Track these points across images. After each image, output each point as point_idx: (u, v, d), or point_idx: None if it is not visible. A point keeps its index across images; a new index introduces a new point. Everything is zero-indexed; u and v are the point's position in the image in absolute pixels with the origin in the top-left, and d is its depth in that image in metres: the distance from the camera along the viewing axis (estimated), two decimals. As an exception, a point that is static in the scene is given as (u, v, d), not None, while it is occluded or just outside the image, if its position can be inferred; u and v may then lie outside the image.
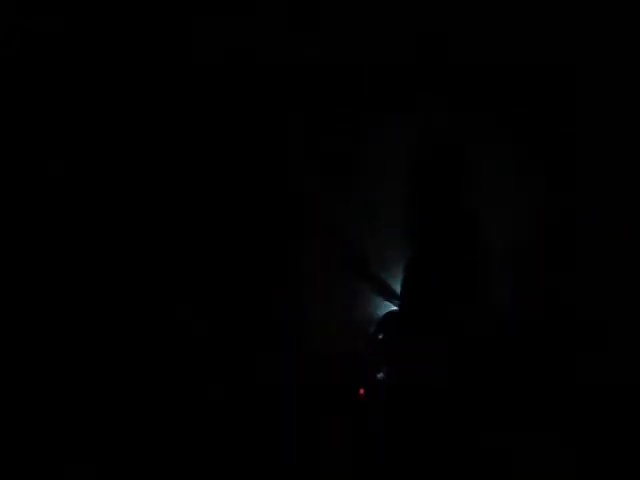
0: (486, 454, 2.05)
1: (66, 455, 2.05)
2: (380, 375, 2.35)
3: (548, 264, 2.32)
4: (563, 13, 2.23)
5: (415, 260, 2.29)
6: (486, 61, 2.28)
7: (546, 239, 2.32)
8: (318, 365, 2.34)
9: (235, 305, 2.32)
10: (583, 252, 2.28)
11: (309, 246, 2.39)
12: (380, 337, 2.49)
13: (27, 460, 2.02)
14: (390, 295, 2.48)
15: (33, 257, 2.17)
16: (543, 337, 2.25)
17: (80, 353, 2.15)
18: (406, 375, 2.23)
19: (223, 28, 2.19)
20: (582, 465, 2.06)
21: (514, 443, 2.07)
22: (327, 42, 2.24)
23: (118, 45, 2.19)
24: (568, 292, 2.27)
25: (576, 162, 2.32)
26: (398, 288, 2.45)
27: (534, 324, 2.27)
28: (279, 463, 2.14)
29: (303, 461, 2.17)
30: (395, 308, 2.48)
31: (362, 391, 2.31)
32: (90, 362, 2.15)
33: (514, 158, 2.36)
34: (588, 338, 2.21)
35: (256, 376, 2.28)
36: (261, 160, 2.34)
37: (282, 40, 2.22)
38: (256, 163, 2.33)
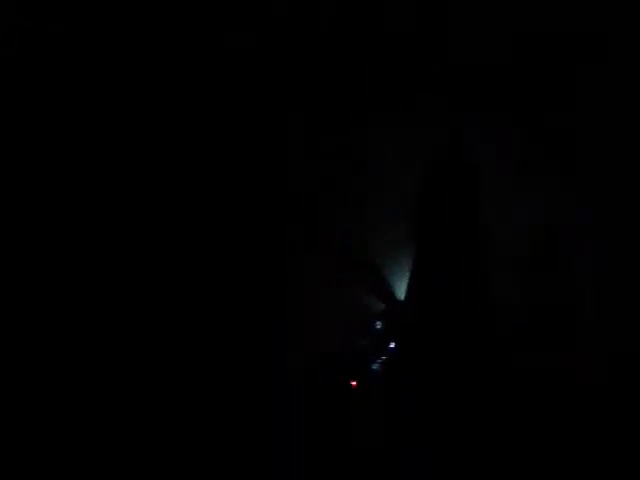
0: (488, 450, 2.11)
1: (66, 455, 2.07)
2: (375, 366, 2.42)
3: (550, 263, 2.34)
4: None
5: (422, 255, 2.33)
6: (485, 61, 2.26)
7: (548, 238, 2.35)
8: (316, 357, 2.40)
9: (234, 305, 2.34)
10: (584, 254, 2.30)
11: (307, 244, 2.42)
12: (378, 327, 2.53)
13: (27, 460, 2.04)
14: (388, 290, 2.51)
15: (33, 257, 2.18)
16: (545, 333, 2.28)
17: (80, 353, 2.16)
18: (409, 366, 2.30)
19: (224, 28, 2.17)
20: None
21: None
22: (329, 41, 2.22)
23: (117, 45, 2.18)
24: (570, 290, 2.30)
25: (579, 160, 2.33)
26: (397, 283, 2.50)
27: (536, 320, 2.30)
28: (279, 465, 2.18)
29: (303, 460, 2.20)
30: (397, 300, 2.52)
31: (354, 383, 2.38)
32: (89, 362, 2.16)
33: (518, 158, 2.37)
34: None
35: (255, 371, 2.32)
36: (261, 160, 2.34)
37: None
38: (256, 163, 2.33)
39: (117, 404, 2.13)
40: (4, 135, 2.13)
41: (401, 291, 2.50)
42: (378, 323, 2.51)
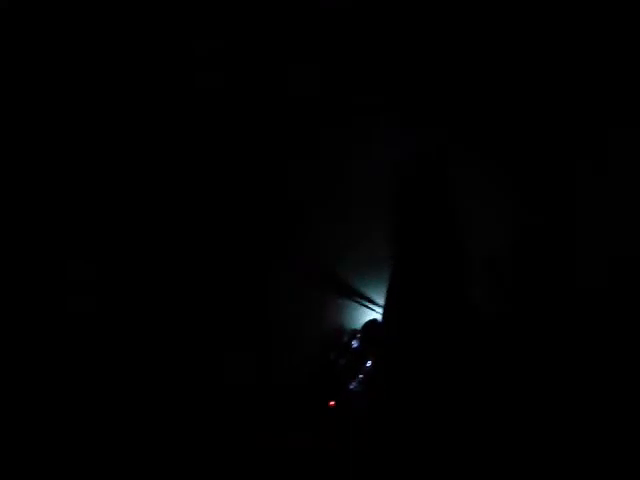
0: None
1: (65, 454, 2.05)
2: (353, 385, 2.38)
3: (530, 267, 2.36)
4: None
5: (400, 269, 2.30)
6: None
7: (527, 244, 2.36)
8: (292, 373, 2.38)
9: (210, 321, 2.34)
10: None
11: (289, 259, 2.41)
12: (354, 346, 2.51)
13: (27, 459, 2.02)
14: (366, 304, 2.49)
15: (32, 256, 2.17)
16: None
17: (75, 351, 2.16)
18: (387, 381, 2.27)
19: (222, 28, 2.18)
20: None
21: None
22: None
23: (115, 38, 2.17)
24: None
25: (565, 170, 2.35)
26: (375, 298, 2.48)
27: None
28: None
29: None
30: (373, 317, 2.50)
31: (332, 403, 2.34)
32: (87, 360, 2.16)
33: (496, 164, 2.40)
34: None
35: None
36: (244, 169, 2.35)
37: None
38: (239, 172, 2.34)
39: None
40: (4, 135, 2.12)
41: (378, 308, 2.49)
42: (354, 342, 2.50)
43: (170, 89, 2.25)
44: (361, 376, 2.37)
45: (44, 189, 2.18)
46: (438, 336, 2.20)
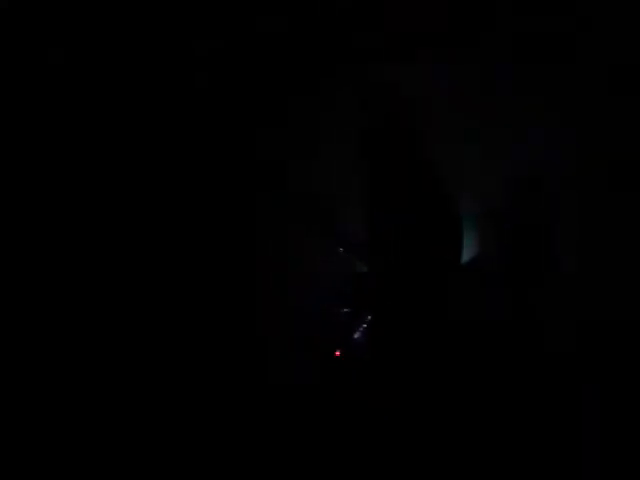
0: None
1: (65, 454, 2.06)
2: (357, 335, 2.37)
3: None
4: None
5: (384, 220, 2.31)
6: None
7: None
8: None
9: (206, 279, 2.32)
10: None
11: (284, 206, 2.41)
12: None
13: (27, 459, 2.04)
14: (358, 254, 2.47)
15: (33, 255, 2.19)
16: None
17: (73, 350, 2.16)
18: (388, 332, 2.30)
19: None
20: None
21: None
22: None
23: (115, 38, 2.23)
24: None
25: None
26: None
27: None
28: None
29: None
30: (357, 271, 2.49)
31: (338, 353, 2.36)
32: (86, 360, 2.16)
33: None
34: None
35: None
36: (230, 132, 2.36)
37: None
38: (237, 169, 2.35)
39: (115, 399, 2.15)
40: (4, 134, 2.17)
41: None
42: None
43: (170, 89, 2.30)
44: (364, 326, 2.38)
45: (43, 188, 2.21)
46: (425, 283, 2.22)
